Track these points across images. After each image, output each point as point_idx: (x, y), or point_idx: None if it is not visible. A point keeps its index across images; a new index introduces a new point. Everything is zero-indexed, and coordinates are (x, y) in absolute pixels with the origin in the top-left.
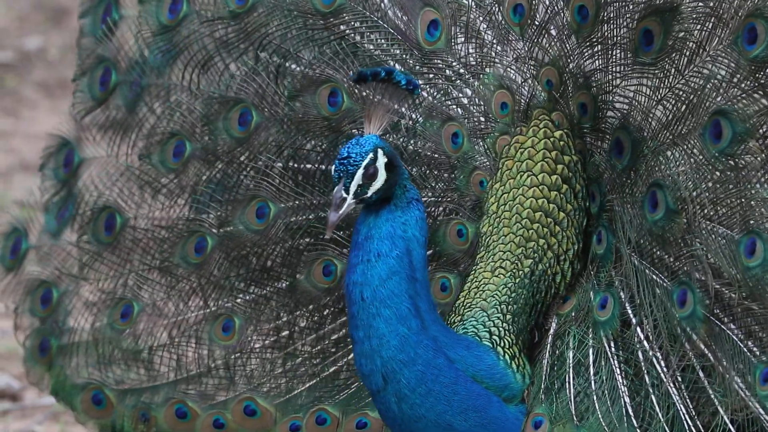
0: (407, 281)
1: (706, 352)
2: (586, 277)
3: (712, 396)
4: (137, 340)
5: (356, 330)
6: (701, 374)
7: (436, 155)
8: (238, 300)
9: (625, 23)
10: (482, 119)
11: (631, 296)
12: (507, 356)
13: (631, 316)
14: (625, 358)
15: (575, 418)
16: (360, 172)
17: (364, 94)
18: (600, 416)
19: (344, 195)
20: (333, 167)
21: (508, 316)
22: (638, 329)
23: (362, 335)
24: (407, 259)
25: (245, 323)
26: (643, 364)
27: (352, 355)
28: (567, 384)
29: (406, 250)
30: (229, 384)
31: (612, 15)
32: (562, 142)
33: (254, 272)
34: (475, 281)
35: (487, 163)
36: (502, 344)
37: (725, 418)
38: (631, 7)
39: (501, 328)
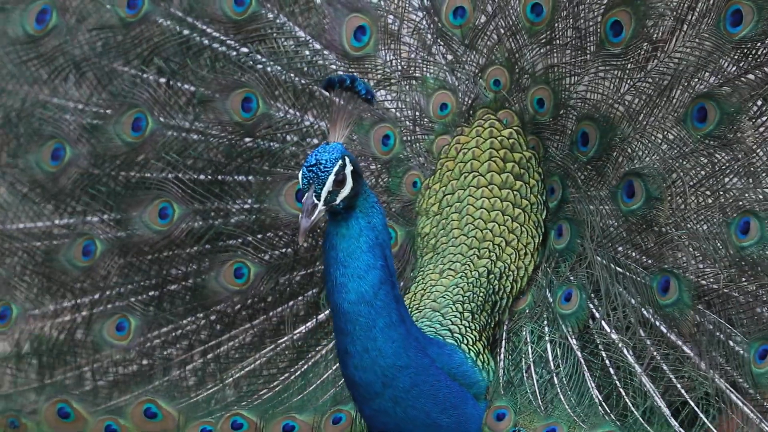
0: (392, 287)
1: (685, 340)
2: (542, 273)
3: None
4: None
5: (352, 345)
6: (664, 366)
7: (360, 158)
8: (134, 299)
9: (590, 17)
10: (417, 121)
11: (595, 289)
12: (472, 353)
13: (594, 310)
14: (590, 350)
15: (541, 408)
16: (331, 178)
17: (329, 101)
18: (567, 407)
19: (315, 201)
20: (300, 174)
21: (466, 314)
22: (602, 322)
23: (359, 349)
24: (386, 265)
25: (142, 324)
26: (610, 355)
27: (255, 363)
28: (529, 378)
29: (384, 257)
30: (126, 385)
31: (572, 11)
32: (511, 140)
33: (154, 273)
34: (422, 284)
35: (423, 163)
36: (465, 341)
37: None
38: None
39: (461, 326)
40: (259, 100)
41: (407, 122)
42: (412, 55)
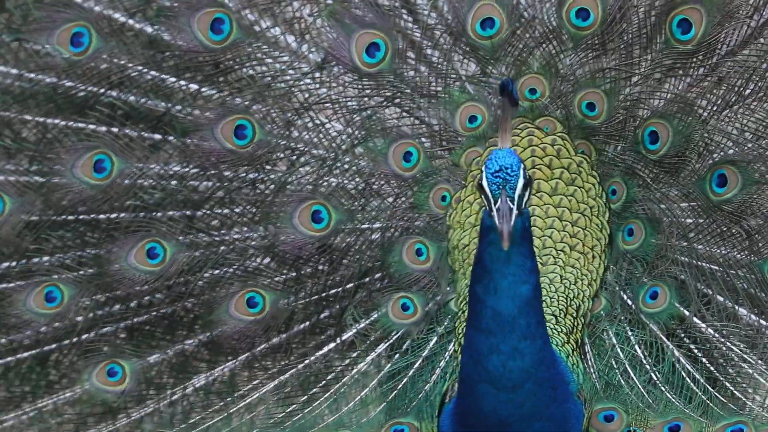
0: None
1: None
2: (614, 275)
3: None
4: None
5: (504, 344)
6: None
7: (380, 176)
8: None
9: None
10: (443, 135)
11: (679, 286)
12: (563, 354)
13: (681, 307)
14: (687, 346)
15: (653, 407)
16: (521, 181)
17: (501, 106)
18: (678, 404)
19: (510, 205)
20: (485, 182)
21: (549, 317)
22: (694, 318)
23: (508, 348)
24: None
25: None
26: (710, 349)
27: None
28: (629, 380)
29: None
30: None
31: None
32: (556, 146)
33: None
34: None
35: (450, 177)
36: (554, 343)
37: None
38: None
39: (549, 328)
40: (256, 128)
41: (433, 137)
42: (435, 70)
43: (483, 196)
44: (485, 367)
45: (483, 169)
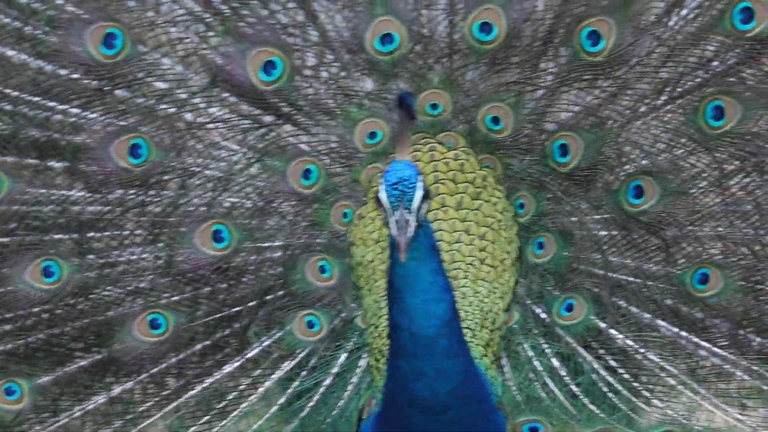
0: None
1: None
2: (525, 288)
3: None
4: None
5: (428, 366)
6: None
7: (279, 194)
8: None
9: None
10: (341, 152)
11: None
12: (482, 367)
13: (597, 319)
14: (605, 357)
15: (577, 418)
16: (419, 193)
17: (399, 118)
18: (601, 414)
19: (408, 217)
20: (383, 194)
21: (466, 331)
22: (611, 330)
23: (433, 371)
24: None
25: None
26: (627, 360)
27: None
28: (550, 392)
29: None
30: None
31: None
32: (459, 161)
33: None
34: None
35: (351, 194)
36: (473, 355)
37: None
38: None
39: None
40: (152, 147)
41: (332, 154)
42: (332, 86)
43: (381, 209)
44: (411, 393)
45: (381, 181)
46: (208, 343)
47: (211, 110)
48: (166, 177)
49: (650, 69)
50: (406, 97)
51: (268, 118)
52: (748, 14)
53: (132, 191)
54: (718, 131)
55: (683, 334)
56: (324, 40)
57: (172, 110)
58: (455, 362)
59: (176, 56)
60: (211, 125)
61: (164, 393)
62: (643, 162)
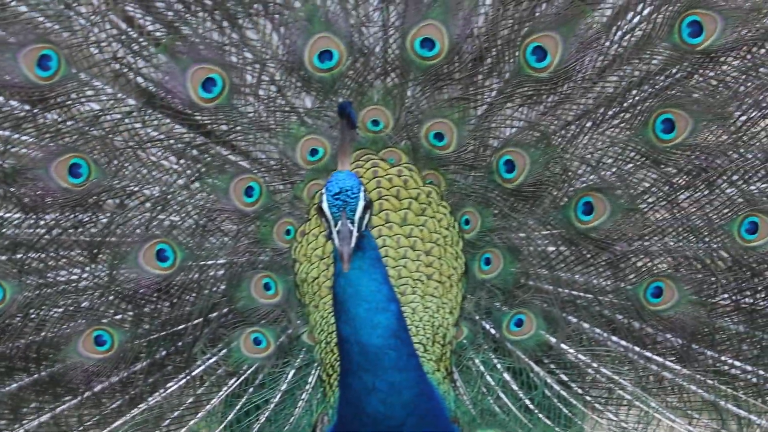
0: None
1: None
2: (474, 304)
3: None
4: None
5: (379, 380)
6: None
7: (220, 212)
8: None
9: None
10: (285, 168)
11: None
12: (434, 381)
13: (546, 334)
14: (556, 371)
15: (532, 431)
16: (361, 203)
17: (340, 129)
18: (553, 425)
19: (350, 227)
20: (325, 204)
21: (418, 346)
22: (562, 344)
23: (385, 385)
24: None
25: None
26: (574, 373)
27: None
28: (504, 406)
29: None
30: None
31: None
32: (403, 177)
33: None
34: None
35: (293, 211)
36: (425, 370)
37: None
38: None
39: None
40: (91, 167)
41: (273, 171)
42: (271, 104)
43: (323, 220)
44: (364, 409)
45: (323, 192)
46: (152, 360)
47: (147, 130)
48: (104, 196)
49: (595, 84)
50: (347, 106)
51: (204, 137)
52: (697, 28)
53: (68, 212)
54: (668, 144)
55: (635, 348)
56: (261, 59)
57: (106, 131)
58: (407, 376)
59: (108, 76)
60: (148, 144)
61: (108, 411)
62: (591, 177)
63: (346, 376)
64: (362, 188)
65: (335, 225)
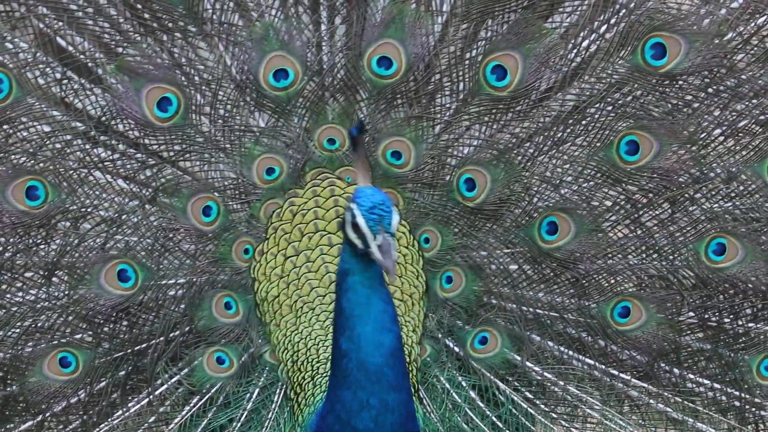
0: None
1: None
2: (437, 322)
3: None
4: None
5: (374, 398)
6: None
7: (178, 231)
8: None
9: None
10: (241, 188)
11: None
12: None
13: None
14: (522, 388)
15: None
16: (396, 216)
17: (354, 149)
18: None
19: (391, 240)
20: (361, 220)
21: None
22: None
23: (379, 402)
24: None
25: None
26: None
27: None
28: (471, 422)
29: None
30: None
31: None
32: None
33: None
34: (303, 341)
35: (251, 230)
36: None
37: None
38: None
39: None
40: (48, 190)
41: (228, 190)
42: (227, 123)
43: (356, 235)
44: (354, 425)
45: (353, 208)
46: (113, 380)
47: (98, 151)
48: (58, 218)
49: (555, 103)
50: (353, 129)
51: (158, 158)
52: (661, 50)
53: (19, 234)
54: (631, 166)
55: (600, 366)
56: (216, 78)
57: (56, 153)
58: (400, 395)
59: (56, 99)
60: (100, 165)
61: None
62: (553, 196)
63: (338, 389)
64: (392, 202)
65: (375, 239)
